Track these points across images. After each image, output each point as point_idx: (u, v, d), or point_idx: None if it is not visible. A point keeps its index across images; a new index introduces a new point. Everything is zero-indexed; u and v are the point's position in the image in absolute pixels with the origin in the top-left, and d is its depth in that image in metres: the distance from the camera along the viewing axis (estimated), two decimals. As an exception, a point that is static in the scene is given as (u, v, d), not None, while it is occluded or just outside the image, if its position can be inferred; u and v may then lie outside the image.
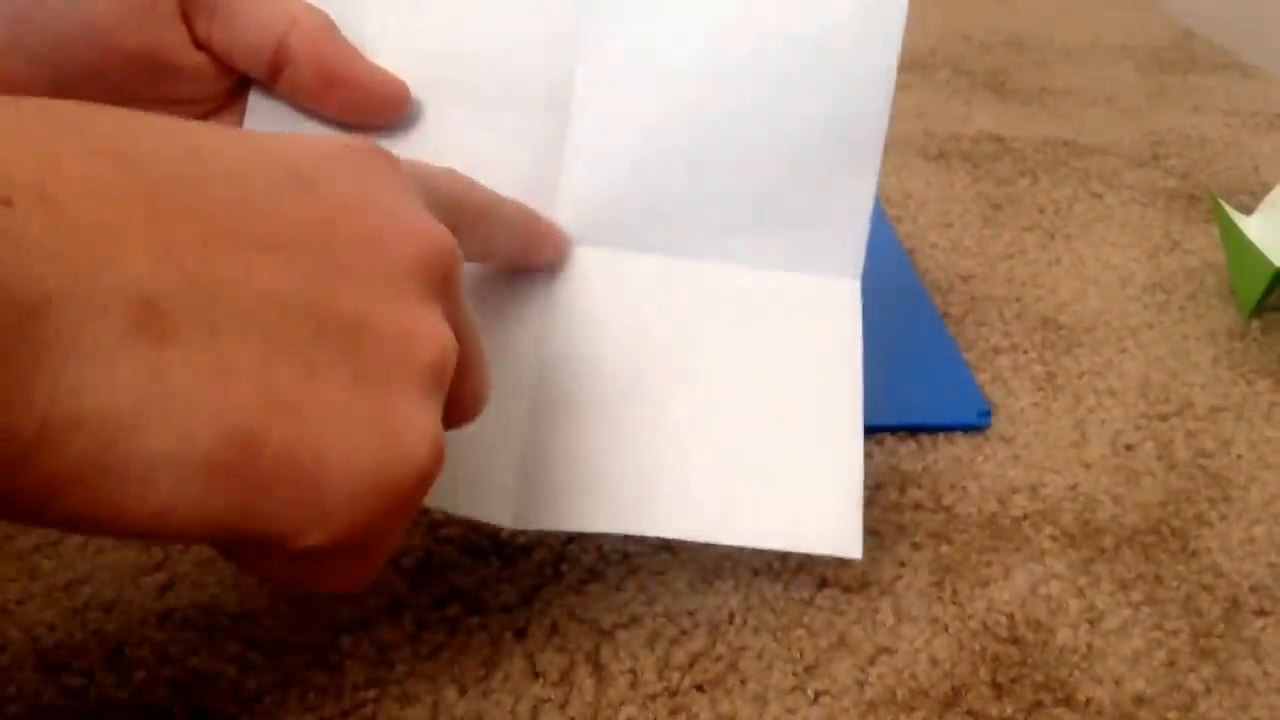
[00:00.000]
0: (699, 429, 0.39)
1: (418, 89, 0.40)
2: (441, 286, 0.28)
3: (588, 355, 0.40)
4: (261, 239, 0.24)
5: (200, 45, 0.37)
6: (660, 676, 0.36)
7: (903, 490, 0.44)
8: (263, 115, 0.39)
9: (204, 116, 0.39)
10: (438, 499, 0.37)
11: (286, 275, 0.24)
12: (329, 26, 0.38)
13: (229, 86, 0.39)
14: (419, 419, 0.26)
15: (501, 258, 0.37)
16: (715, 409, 0.39)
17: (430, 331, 0.27)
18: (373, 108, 0.39)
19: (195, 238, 0.23)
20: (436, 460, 0.26)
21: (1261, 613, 0.40)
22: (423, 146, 0.40)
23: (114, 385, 0.21)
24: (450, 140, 0.40)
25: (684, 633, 0.38)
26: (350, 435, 0.25)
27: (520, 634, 0.37)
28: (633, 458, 0.38)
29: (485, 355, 0.32)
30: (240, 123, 0.39)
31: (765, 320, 0.40)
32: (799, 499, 0.38)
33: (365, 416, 0.25)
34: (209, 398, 0.22)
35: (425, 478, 0.26)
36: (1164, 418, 0.49)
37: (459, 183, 0.33)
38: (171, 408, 0.22)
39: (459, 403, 0.30)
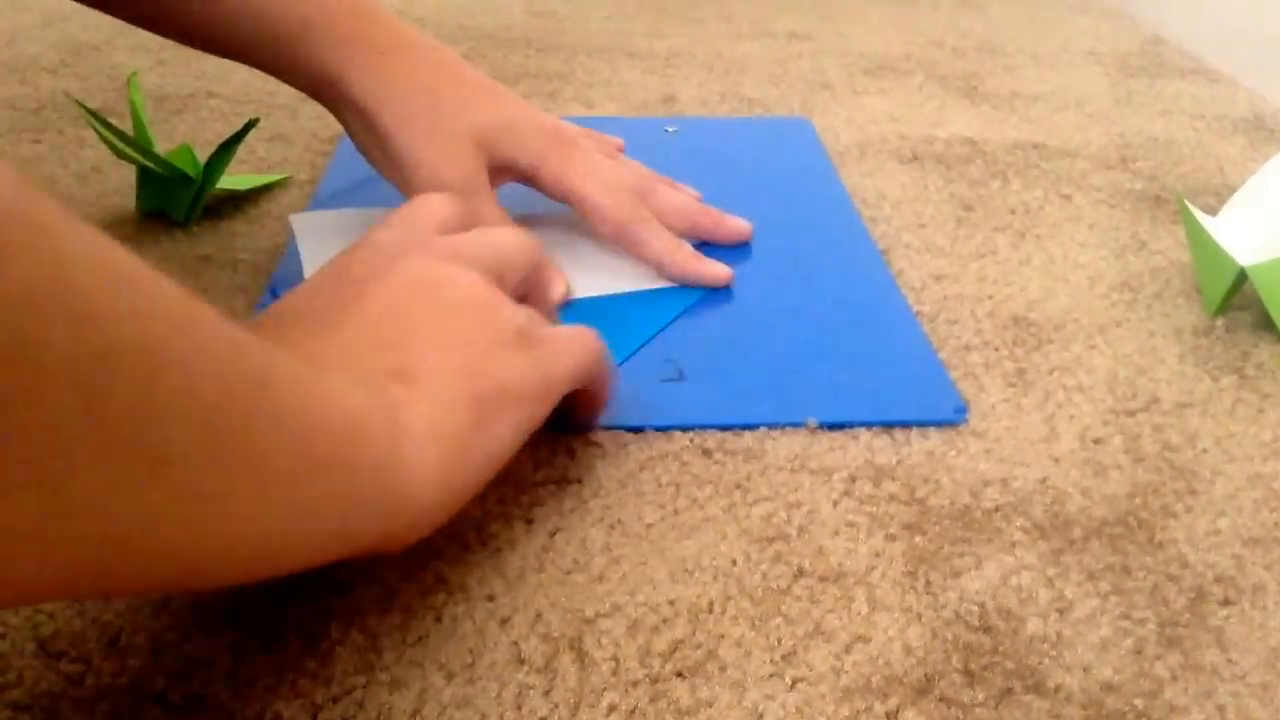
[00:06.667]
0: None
1: None
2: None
3: None
4: (433, 338, 0.40)
5: None
6: (642, 664, 0.37)
7: (877, 483, 0.45)
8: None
9: None
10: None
11: (454, 352, 0.40)
12: None
13: None
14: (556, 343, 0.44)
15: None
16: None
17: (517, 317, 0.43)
18: None
19: (411, 345, 0.40)
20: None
21: (1226, 602, 0.40)
22: None
23: (404, 403, 0.37)
24: None
25: (665, 621, 0.38)
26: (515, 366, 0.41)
27: (505, 622, 0.38)
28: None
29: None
30: None
31: None
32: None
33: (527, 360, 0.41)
34: (446, 392, 0.39)
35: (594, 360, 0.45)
36: (1131, 413, 0.50)
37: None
38: (434, 406, 0.38)
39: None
